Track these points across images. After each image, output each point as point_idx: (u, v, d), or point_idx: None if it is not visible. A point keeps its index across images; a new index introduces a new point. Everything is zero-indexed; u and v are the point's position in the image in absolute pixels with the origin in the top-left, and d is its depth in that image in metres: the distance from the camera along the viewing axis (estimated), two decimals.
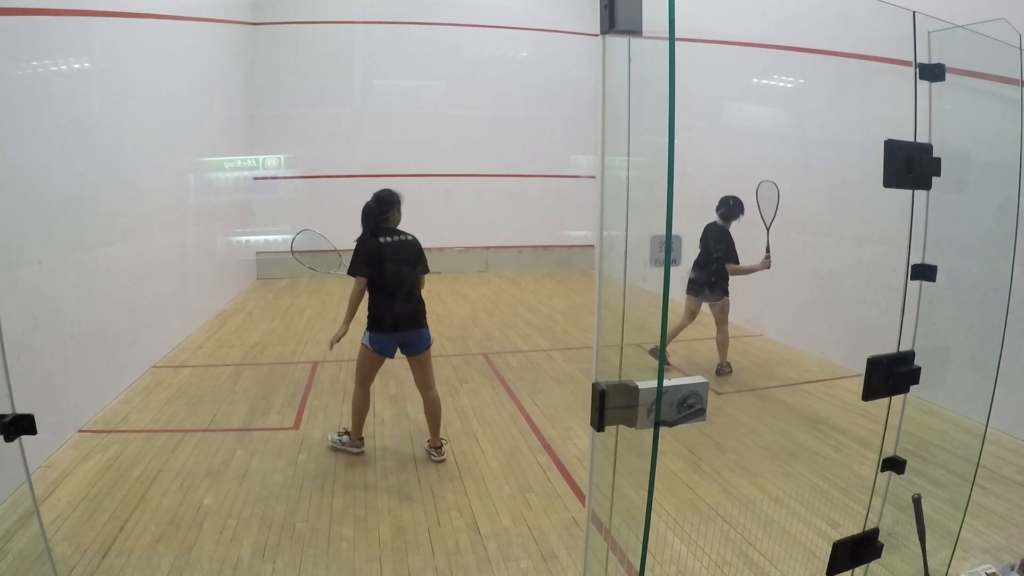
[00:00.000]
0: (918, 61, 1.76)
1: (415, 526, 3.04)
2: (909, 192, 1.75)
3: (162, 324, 5.89)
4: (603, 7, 1.15)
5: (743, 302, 6.86)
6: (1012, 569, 2.27)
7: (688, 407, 1.27)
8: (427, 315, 3.86)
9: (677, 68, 1.12)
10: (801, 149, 6.33)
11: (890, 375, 1.72)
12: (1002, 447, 3.81)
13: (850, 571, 1.90)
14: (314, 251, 4.55)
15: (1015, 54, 1.82)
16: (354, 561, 2.76)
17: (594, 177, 1.29)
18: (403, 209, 3.86)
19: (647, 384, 1.25)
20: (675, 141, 1.14)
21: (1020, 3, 3.01)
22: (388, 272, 3.60)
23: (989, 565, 2.27)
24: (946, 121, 1.76)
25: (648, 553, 1.33)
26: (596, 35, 1.18)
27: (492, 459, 3.78)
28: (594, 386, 1.27)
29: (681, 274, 5.46)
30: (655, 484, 1.29)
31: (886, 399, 1.81)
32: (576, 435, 4.11)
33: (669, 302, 1.23)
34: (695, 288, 5.30)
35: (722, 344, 5.36)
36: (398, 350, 3.77)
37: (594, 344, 1.35)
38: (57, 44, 4.04)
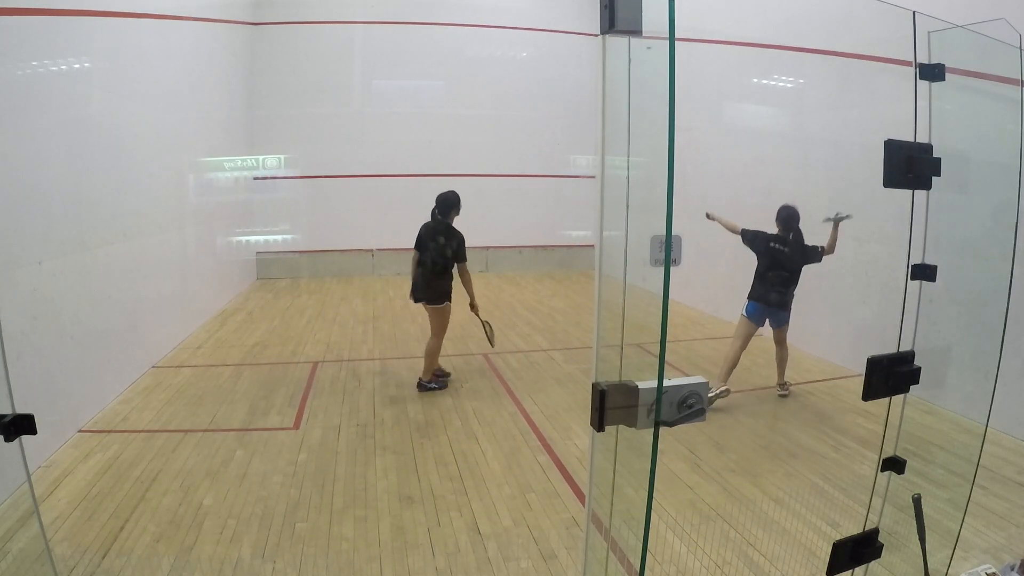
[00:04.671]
0: (918, 61, 1.76)
1: (415, 526, 3.04)
2: (909, 192, 1.75)
3: (162, 324, 5.89)
4: (603, 7, 1.15)
5: (743, 302, 6.86)
6: (1012, 569, 2.27)
7: (688, 407, 1.27)
8: None
9: (677, 68, 1.12)
10: (801, 149, 6.33)
11: (890, 375, 1.73)
12: (1002, 447, 3.81)
13: (850, 571, 1.90)
14: None
15: (1015, 54, 1.82)
16: (354, 561, 2.76)
17: (594, 177, 1.29)
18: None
19: (647, 384, 1.26)
20: (675, 141, 1.14)
21: (1020, 3, 3.01)
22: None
23: (989, 565, 2.27)
24: (946, 121, 1.76)
25: (648, 553, 1.33)
26: (596, 35, 1.18)
27: (492, 459, 3.79)
28: (594, 386, 1.27)
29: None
30: (655, 484, 1.29)
31: (886, 399, 1.81)
32: (576, 435, 4.11)
33: (669, 302, 1.23)
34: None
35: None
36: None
37: (594, 344, 1.35)
38: (57, 44, 4.04)
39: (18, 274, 3.49)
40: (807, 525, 3.02)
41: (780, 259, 4.69)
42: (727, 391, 4.60)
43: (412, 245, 4.97)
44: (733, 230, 4.87)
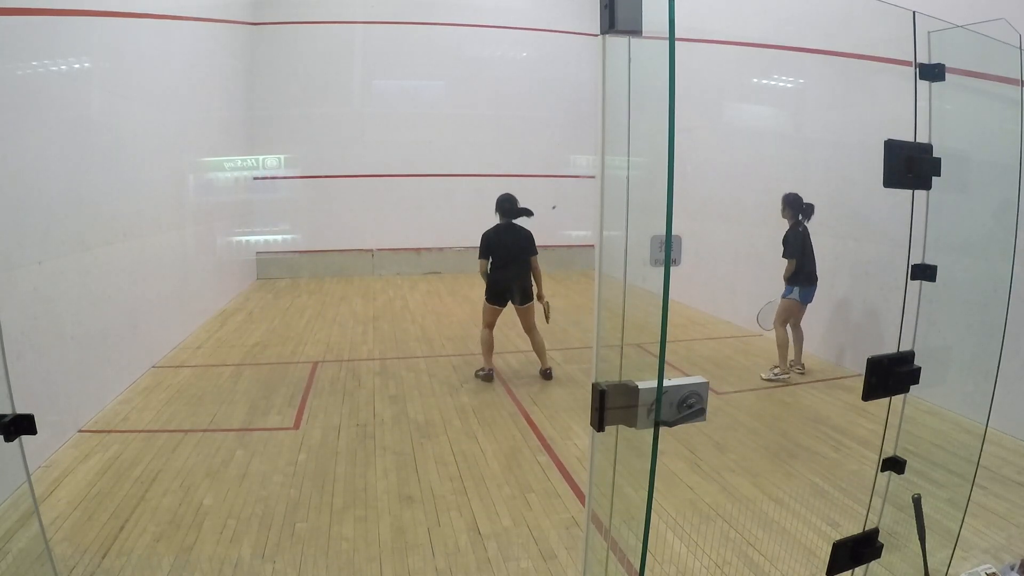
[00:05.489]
0: (918, 61, 1.76)
1: (415, 526, 3.04)
2: (909, 192, 1.75)
3: (162, 324, 5.89)
4: (603, 7, 1.15)
5: (743, 302, 6.88)
6: (1012, 569, 2.28)
7: (688, 407, 1.27)
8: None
9: (677, 68, 1.12)
10: (801, 149, 6.33)
11: (890, 375, 1.72)
12: (1002, 447, 3.81)
13: (850, 571, 1.90)
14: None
15: (1015, 54, 1.82)
16: (354, 561, 2.76)
17: (594, 177, 1.29)
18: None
19: (647, 384, 1.25)
20: (675, 141, 1.14)
21: (1020, 3, 3.01)
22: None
23: (989, 565, 2.27)
24: (946, 121, 1.76)
25: (648, 553, 1.33)
26: (596, 35, 1.18)
27: (492, 459, 3.79)
28: (594, 386, 1.27)
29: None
30: (655, 484, 1.29)
31: (886, 399, 1.81)
32: (576, 435, 4.11)
33: (669, 302, 1.23)
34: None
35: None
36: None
37: (594, 344, 1.35)
38: (57, 44, 4.04)
39: (18, 274, 3.49)
40: (807, 525, 3.02)
41: (809, 239, 5.20)
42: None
43: (480, 255, 5.16)
44: (792, 266, 5.18)
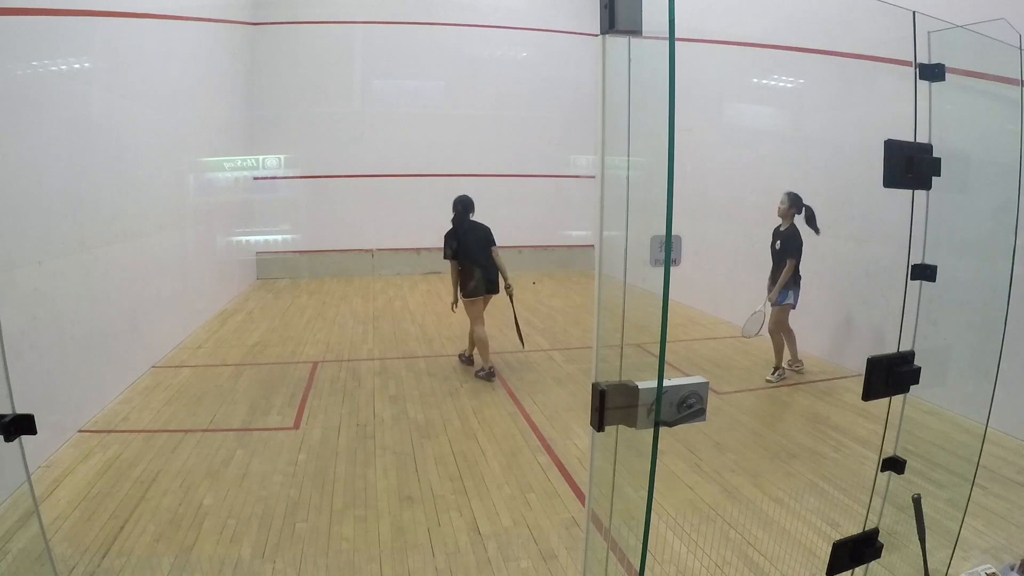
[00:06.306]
0: (918, 61, 1.76)
1: (415, 526, 3.04)
2: (909, 192, 1.75)
3: (162, 324, 5.89)
4: (603, 7, 1.15)
5: (743, 302, 6.87)
6: (1012, 569, 2.28)
7: (688, 407, 1.27)
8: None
9: (677, 68, 1.12)
10: (801, 149, 6.33)
11: (890, 375, 1.72)
12: (1002, 447, 3.81)
13: (850, 571, 1.90)
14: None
15: (1015, 54, 1.82)
16: (354, 561, 2.76)
17: (594, 177, 1.29)
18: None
19: (647, 384, 1.25)
20: (675, 141, 1.14)
21: (1020, 3, 3.00)
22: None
23: (989, 565, 2.27)
24: (946, 121, 1.75)
25: (648, 553, 1.33)
26: (596, 35, 1.18)
27: (492, 459, 3.79)
28: (594, 386, 1.26)
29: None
30: (655, 484, 1.29)
31: (886, 399, 1.81)
32: (576, 435, 4.11)
33: (669, 302, 1.23)
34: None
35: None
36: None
37: (594, 344, 1.35)
38: (57, 44, 4.04)
39: (18, 274, 3.49)
40: (807, 525, 3.02)
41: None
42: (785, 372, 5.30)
43: (445, 256, 5.28)
44: (791, 268, 5.13)
